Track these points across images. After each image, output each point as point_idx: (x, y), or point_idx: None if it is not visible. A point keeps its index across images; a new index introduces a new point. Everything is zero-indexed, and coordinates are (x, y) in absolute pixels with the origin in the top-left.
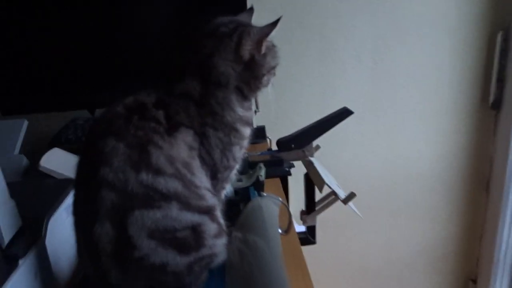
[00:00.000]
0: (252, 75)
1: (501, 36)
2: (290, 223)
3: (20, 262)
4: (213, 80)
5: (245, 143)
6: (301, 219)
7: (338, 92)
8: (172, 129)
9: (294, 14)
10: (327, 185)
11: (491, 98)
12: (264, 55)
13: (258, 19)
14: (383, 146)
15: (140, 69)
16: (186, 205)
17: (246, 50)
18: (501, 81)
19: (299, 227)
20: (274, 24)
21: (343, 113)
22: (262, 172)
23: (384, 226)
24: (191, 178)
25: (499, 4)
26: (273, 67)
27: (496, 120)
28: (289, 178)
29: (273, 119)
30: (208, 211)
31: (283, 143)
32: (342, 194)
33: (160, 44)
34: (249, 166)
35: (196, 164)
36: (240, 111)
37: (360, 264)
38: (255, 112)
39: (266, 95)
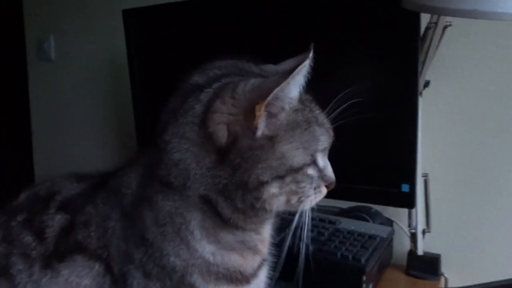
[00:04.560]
0: (233, 178)
1: None
2: None
3: None
4: (160, 174)
5: None
6: None
7: None
8: (57, 256)
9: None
10: None
11: None
12: (267, 140)
13: None
14: None
15: None
16: None
17: (221, 124)
18: None
19: None
20: (290, 72)
21: None
22: None
23: None
24: None
25: None
26: (296, 169)
27: None
28: None
29: (459, 243)
30: None
31: None
32: None
33: None
34: None
35: None
36: (208, 251)
37: None
38: (423, 232)
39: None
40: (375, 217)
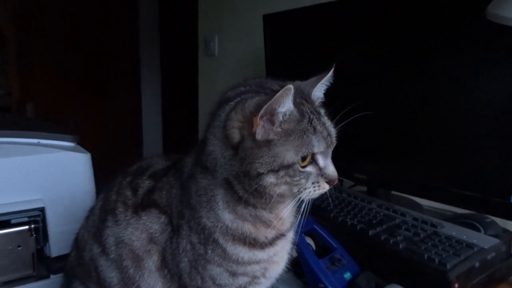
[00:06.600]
0: (241, 168)
1: None
2: None
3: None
4: (202, 159)
5: (241, 269)
6: None
7: None
8: (141, 206)
9: None
10: None
11: None
12: (265, 142)
13: None
14: None
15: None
16: None
17: (234, 128)
18: None
19: None
20: (275, 93)
21: None
22: None
23: None
24: (134, 276)
25: None
26: (287, 165)
27: None
28: None
29: None
30: None
31: None
32: None
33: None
34: None
35: (150, 263)
36: (227, 218)
37: None
38: None
39: None
40: (489, 227)
